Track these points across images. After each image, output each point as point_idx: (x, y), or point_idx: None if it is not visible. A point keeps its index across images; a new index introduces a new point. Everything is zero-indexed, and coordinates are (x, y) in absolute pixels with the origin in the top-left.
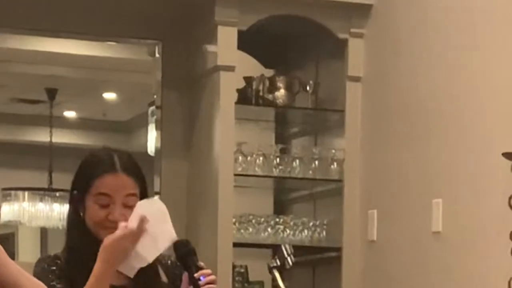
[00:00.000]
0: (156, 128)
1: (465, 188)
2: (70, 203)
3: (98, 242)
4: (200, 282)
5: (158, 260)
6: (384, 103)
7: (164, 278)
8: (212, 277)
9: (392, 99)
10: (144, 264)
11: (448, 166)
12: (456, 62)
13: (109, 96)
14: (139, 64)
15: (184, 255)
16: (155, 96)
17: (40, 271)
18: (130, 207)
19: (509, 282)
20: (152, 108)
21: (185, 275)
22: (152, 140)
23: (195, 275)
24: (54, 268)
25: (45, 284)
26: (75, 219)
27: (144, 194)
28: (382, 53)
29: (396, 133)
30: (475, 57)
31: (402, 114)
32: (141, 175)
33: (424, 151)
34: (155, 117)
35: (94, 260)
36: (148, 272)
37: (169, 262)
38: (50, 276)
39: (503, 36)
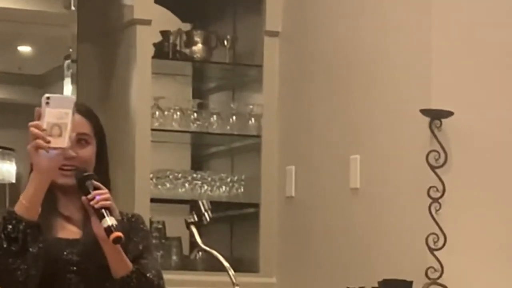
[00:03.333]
0: (72, 82)
1: (383, 144)
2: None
3: (58, 192)
4: (93, 201)
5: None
6: (302, 58)
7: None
8: (106, 195)
9: (310, 54)
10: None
11: (366, 122)
12: (375, 15)
13: (24, 49)
14: (55, 17)
15: (82, 180)
16: (70, 50)
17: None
18: (84, 146)
19: (426, 239)
20: (68, 61)
21: (83, 199)
22: (68, 94)
23: (89, 195)
24: (10, 226)
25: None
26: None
27: (100, 136)
28: (300, 7)
29: (314, 89)
30: (395, 12)
31: (320, 69)
32: (95, 116)
33: (342, 107)
34: (71, 70)
35: (51, 208)
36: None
37: (126, 217)
38: (3, 238)
39: None
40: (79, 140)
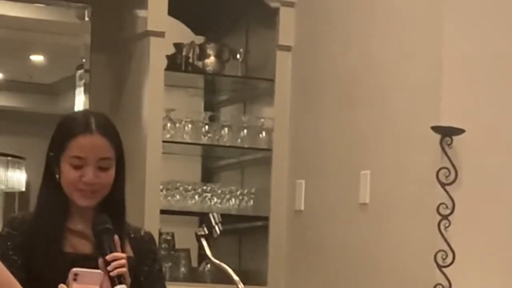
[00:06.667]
0: (84, 92)
1: (394, 160)
2: (46, 165)
3: (71, 204)
4: (109, 267)
5: (127, 234)
6: (314, 73)
7: (130, 252)
8: (123, 261)
9: (322, 69)
10: None
11: (377, 137)
12: (386, 32)
13: (37, 58)
14: (68, 27)
15: (99, 233)
16: (83, 60)
17: (1, 238)
18: (105, 170)
19: (435, 256)
20: (80, 71)
21: (100, 260)
22: (79, 103)
23: (107, 257)
24: (16, 233)
25: (3, 252)
26: (50, 181)
27: (120, 159)
28: (313, 22)
29: (326, 103)
30: (406, 28)
31: (332, 84)
32: (117, 138)
33: (353, 122)
34: (83, 80)
35: (62, 221)
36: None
37: (138, 235)
38: (8, 244)
39: (433, 8)
40: (101, 164)
